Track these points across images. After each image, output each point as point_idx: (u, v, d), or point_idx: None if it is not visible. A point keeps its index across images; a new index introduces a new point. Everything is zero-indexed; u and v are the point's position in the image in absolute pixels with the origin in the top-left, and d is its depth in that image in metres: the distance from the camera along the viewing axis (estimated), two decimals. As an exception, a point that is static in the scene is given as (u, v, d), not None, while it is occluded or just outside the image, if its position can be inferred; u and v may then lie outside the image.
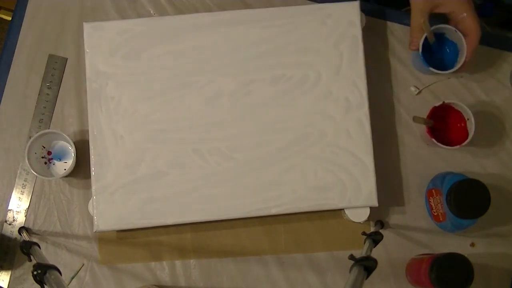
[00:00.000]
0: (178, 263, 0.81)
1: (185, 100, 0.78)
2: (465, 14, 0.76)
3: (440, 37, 0.81)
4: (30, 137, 0.80)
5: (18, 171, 0.82)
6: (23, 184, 0.82)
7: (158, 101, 0.78)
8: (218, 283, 0.80)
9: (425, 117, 0.79)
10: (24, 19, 0.85)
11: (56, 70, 0.84)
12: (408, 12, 0.80)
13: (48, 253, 0.80)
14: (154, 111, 0.77)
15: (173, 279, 0.80)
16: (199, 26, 0.79)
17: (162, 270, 0.81)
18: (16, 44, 0.85)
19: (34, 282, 0.59)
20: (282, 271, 0.81)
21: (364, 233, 0.69)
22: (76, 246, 0.81)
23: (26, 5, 0.85)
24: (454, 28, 0.78)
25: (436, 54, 0.82)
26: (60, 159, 0.82)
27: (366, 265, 0.59)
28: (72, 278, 0.80)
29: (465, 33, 0.77)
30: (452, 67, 0.79)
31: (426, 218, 0.82)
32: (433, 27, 0.77)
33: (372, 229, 0.80)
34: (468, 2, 0.76)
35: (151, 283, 0.80)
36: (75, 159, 0.78)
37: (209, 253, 0.81)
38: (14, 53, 0.85)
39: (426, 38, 0.78)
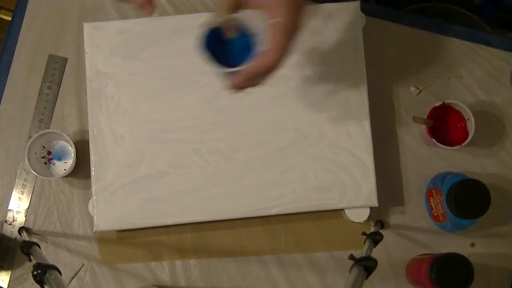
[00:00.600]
0: (178, 263, 0.81)
1: (185, 100, 0.78)
2: (275, 21, 0.54)
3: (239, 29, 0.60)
4: (30, 137, 0.80)
5: (18, 171, 0.82)
6: (23, 184, 0.82)
7: (158, 101, 0.78)
8: (218, 283, 0.80)
9: (425, 117, 0.79)
10: (24, 19, 0.85)
11: (56, 70, 0.84)
12: (409, 12, 0.80)
13: (48, 253, 0.80)
14: (154, 111, 0.77)
15: (173, 279, 0.80)
16: (199, 26, 0.79)
17: (162, 270, 0.81)
18: (16, 44, 0.85)
19: (34, 282, 0.59)
20: (282, 271, 0.81)
21: (364, 233, 0.69)
22: (76, 246, 0.81)
23: (26, 5, 0.85)
24: (253, 22, 0.58)
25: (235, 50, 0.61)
26: (60, 159, 0.81)
27: (366, 265, 0.59)
28: (72, 278, 0.80)
29: (268, 43, 0.55)
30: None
31: (426, 218, 0.82)
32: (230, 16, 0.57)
33: (372, 229, 0.80)
34: (288, 5, 0.53)
35: (151, 283, 0.80)
36: (75, 159, 0.78)
37: (209, 253, 0.81)
38: (14, 53, 0.85)
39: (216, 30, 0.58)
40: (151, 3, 0.58)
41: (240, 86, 0.57)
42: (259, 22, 0.56)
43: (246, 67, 0.54)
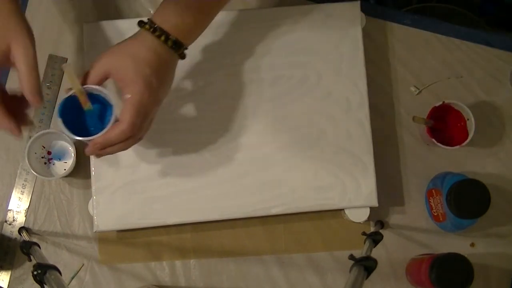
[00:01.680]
0: (178, 263, 0.81)
1: (185, 100, 0.78)
2: (128, 96, 0.59)
3: (98, 99, 0.64)
4: (30, 137, 0.80)
5: (18, 171, 0.82)
6: (23, 184, 0.82)
7: (158, 101, 0.78)
8: (218, 283, 0.80)
9: (425, 117, 0.79)
10: (24, 19, 0.85)
11: (56, 70, 0.84)
12: (409, 12, 0.80)
13: (48, 253, 0.80)
14: (154, 111, 0.77)
15: (173, 279, 0.80)
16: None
17: (162, 270, 0.81)
18: (16, 44, 0.85)
19: (34, 282, 0.58)
20: (282, 271, 0.81)
21: (364, 233, 0.69)
22: (76, 246, 0.81)
23: (26, 5, 0.85)
24: (108, 95, 0.62)
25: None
26: (60, 159, 0.81)
27: (366, 265, 0.59)
28: (72, 278, 0.80)
29: (119, 117, 0.60)
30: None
31: (426, 218, 0.82)
32: (86, 86, 0.61)
33: (372, 229, 0.80)
34: (141, 84, 0.58)
35: (151, 283, 0.80)
36: (75, 159, 0.78)
37: (209, 253, 0.81)
38: (14, 53, 0.84)
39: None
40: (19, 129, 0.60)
41: (93, 154, 0.63)
42: (113, 98, 0.62)
43: (96, 137, 0.60)
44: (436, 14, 1.18)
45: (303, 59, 0.79)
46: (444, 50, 0.86)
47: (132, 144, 0.63)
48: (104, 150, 0.62)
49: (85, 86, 0.61)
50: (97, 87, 0.61)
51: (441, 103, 0.79)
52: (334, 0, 0.80)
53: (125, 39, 0.62)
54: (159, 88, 0.61)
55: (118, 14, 0.86)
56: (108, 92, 0.62)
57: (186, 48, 0.64)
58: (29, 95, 0.57)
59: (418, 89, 0.85)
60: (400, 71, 0.85)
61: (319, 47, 0.79)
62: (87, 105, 0.62)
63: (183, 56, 0.64)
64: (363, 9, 0.80)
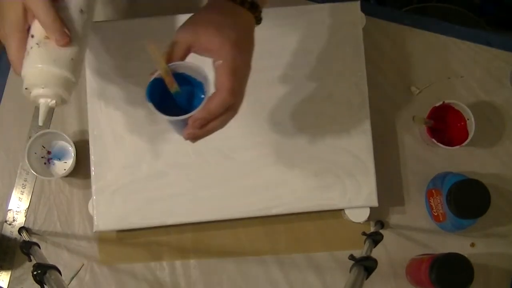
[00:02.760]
0: (178, 263, 0.81)
1: (185, 100, 0.78)
2: (220, 62, 0.54)
3: (185, 78, 0.57)
4: (30, 137, 0.80)
5: (18, 171, 0.82)
6: (23, 184, 0.82)
7: (158, 101, 0.78)
8: (218, 283, 0.80)
9: (425, 117, 0.79)
10: (24, 19, 0.85)
11: (56, 70, 0.84)
12: (409, 12, 0.80)
13: (48, 253, 0.80)
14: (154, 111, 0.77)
15: (173, 279, 0.80)
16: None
17: (162, 270, 0.81)
18: (16, 44, 0.85)
19: (34, 282, 0.58)
20: (282, 271, 0.81)
21: (364, 233, 0.69)
22: (76, 246, 0.81)
23: None
24: (198, 67, 0.55)
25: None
26: (60, 159, 0.81)
27: (366, 265, 0.59)
28: (72, 278, 0.80)
29: (215, 86, 0.54)
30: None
31: (426, 218, 0.82)
32: (171, 64, 0.55)
33: (372, 229, 0.80)
34: (230, 47, 0.54)
35: (151, 283, 0.80)
36: (75, 159, 0.78)
37: (209, 253, 0.81)
38: (14, 53, 0.84)
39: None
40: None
41: (195, 136, 0.56)
42: (204, 70, 0.55)
43: (195, 112, 0.53)
44: (436, 14, 1.18)
45: (303, 59, 0.79)
46: (444, 50, 0.86)
47: (231, 118, 0.56)
48: (205, 127, 0.55)
49: (170, 64, 0.54)
50: (185, 62, 0.55)
51: (441, 103, 0.79)
52: (334, 0, 0.80)
53: (199, 10, 0.58)
54: (246, 50, 0.57)
55: (118, 14, 0.86)
56: (197, 64, 0.55)
57: (261, 12, 0.61)
58: (57, 41, 0.56)
59: (418, 89, 0.85)
60: (400, 71, 0.85)
61: (319, 47, 0.79)
62: (174, 86, 0.55)
63: (259, 20, 0.61)
64: (363, 9, 0.80)
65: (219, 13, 0.56)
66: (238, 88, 0.55)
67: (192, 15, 0.57)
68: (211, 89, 0.54)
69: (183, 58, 0.56)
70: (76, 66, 0.59)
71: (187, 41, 0.55)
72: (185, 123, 0.54)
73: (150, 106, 0.54)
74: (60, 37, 0.56)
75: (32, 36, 0.57)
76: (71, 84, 0.59)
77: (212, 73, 0.54)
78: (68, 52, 0.58)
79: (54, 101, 0.59)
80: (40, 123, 0.60)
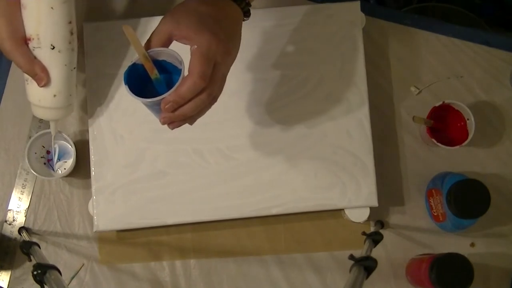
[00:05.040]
0: (178, 263, 0.81)
1: (185, 100, 0.78)
2: (195, 47, 0.54)
3: (164, 66, 0.58)
4: (30, 137, 0.80)
5: (18, 171, 0.82)
6: (23, 184, 0.82)
7: (158, 101, 0.78)
8: (218, 283, 0.80)
9: (425, 117, 0.79)
10: (24, 19, 0.85)
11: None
12: (409, 12, 0.80)
13: (48, 253, 0.80)
14: (154, 111, 0.77)
15: (173, 279, 0.80)
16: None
17: (162, 270, 0.81)
18: (16, 44, 0.85)
19: (34, 282, 0.58)
20: (282, 271, 0.81)
21: (364, 233, 0.69)
22: (76, 246, 0.81)
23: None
24: (174, 52, 0.56)
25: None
26: (60, 159, 0.81)
27: (366, 265, 0.59)
28: (72, 278, 0.80)
29: (188, 70, 0.54)
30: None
31: (426, 218, 0.82)
32: (151, 50, 0.55)
33: (372, 229, 0.80)
34: (206, 33, 0.54)
35: (151, 283, 0.80)
36: (75, 159, 0.78)
37: (209, 253, 0.81)
38: (14, 53, 0.84)
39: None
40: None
41: (170, 120, 0.56)
42: (178, 56, 0.55)
43: (166, 95, 0.53)
44: (436, 14, 1.18)
45: (303, 59, 0.79)
46: (444, 50, 0.86)
47: (207, 103, 0.57)
48: (178, 111, 0.55)
49: (149, 51, 0.55)
50: (163, 48, 0.56)
51: (441, 103, 0.79)
52: (334, 0, 0.80)
53: (184, 1, 0.59)
54: (227, 40, 0.56)
55: (118, 14, 0.86)
56: (174, 50, 0.56)
57: (249, 4, 0.61)
58: (34, 79, 0.65)
59: (418, 89, 0.85)
60: (400, 71, 0.85)
61: (319, 47, 0.79)
62: (153, 72, 0.56)
63: (247, 13, 0.62)
64: (363, 9, 0.80)
65: (203, 3, 0.57)
66: (212, 74, 0.55)
67: (176, 6, 0.58)
68: (186, 74, 0.54)
69: (164, 46, 0.56)
70: (60, 98, 0.67)
71: (168, 29, 0.56)
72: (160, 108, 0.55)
73: (126, 88, 0.54)
74: (38, 81, 0.64)
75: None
76: (63, 109, 0.69)
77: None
78: (49, 90, 0.65)
79: (54, 122, 0.73)
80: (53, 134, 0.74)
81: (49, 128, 0.82)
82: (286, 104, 0.78)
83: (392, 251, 0.81)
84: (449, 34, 0.86)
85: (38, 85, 0.64)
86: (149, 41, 0.56)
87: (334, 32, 0.79)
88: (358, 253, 0.63)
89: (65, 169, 0.80)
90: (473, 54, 0.86)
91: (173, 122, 0.57)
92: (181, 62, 0.55)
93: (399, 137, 0.84)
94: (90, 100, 0.77)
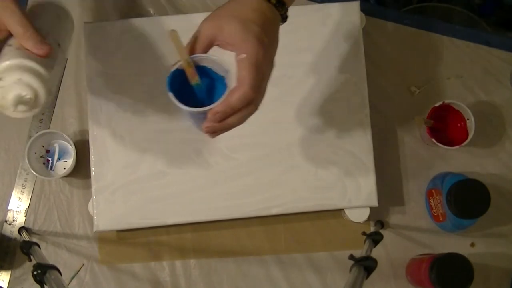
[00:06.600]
0: (178, 263, 0.81)
1: (185, 100, 0.78)
2: (243, 56, 0.53)
3: (206, 72, 0.57)
4: (30, 137, 0.80)
5: (18, 171, 0.82)
6: (23, 184, 0.82)
7: (158, 101, 0.78)
8: (218, 283, 0.80)
9: (425, 117, 0.79)
10: (24, 19, 0.85)
11: (56, 70, 0.84)
12: (409, 12, 0.80)
13: (48, 253, 0.80)
14: (154, 111, 0.77)
15: (173, 279, 0.80)
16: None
17: (162, 270, 0.81)
18: (16, 44, 0.85)
19: (34, 282, 0.59)
20: (282, 271, 0.81)
21: (364, 233, 0.69)
22: (76, 246, 0.81)
23: (26, 6, 0.85)
24: (220, 60, 0.55)
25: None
26: (60, 159, 0.81)
27: (366, 265, 0.59)
28: (72, 278, 0.80)
29: (236, 80, 0.53)
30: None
31: (426, 218, 0.82)
32: (194, 56, 0.54)
33: (372, 229, 0.80)
34: (254, 41, 0.53)
35: (151, 283, 0.80)
36: (75, 159, 0.78)
37: (209, 253, 0.81)
38: (14, 53, 0.84)
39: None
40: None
41: (214, 129, 0.55)
42: (226, 64, 0.54)
43: (215, 105, 0.52)
44: (436, 14, 1.18)
45: (303, 59, 0.79)
46: (444, 50, 0.86)
47: (251, 114, 0.55)
48: (224, 121, 0.54)
49: (193, 56, 0.54)
50: (207, 55, 0.54)
51: (441, 103, 0.79)
52: (334, 0, 0.80)
53: (224, 4, 0.57)
54: (270, 46, 0.56)
55: (118, 14, 0.86)
56: (219, 58, 0.54)
57: (287, 10, 0.60)
58: (35, 50, 0.56)
59: (418, 89, 0.85)
60: (400, 71, 0.85)
61: (319, 47, 0.79)
62: (195, 78, 0.54)
63: (284, 18, 0.61)
64: (363, 9, 0.80)
65: (244, 7, 0.55)
66: (260, 84, 0.54)
67: (217, 8, 0.57)
68: (232, 83, 0.53)
69: (205, 51, 0.55)
70: (49, 65, 0.58)
71: (210, 34, 0.54)
72: (204, 116, 0.53)
73: (171, 96, 0.53)
74: (43, 46, 0.56)
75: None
76: (43, 78, 0.57)
77: (234, 67, 0.53)
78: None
79: (27, 93, 0.57)
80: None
81: (49, 128, 0.83)
82: (286, 104, 0.78)
83: (392, 251, 0.81)
84: (449, 34, 0.86)
85: (42, 53, 0.57)
86: (190, 45, 0.55)
87: (334, 32, 0.79)
88: (358, 253, 0.63)
89: (65, 169, 0.80)
90: (473, 54, 0.86)
91: (216, 132, 0.56)
92: (227, 71, 0.54)
93: (399, 137, 0.84)
94: (90, 100, 0.77)
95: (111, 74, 0.78)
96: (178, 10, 0.86)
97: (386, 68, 0.85)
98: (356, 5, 0.80)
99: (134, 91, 0.78)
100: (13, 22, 0.55)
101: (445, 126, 0.82)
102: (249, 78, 0.52)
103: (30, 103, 0.57)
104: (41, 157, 0.81)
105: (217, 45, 0.55)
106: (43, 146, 0.81)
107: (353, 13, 0.79)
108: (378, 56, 0.85)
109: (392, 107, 0.85)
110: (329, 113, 0.78)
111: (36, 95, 0.57)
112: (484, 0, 1.22)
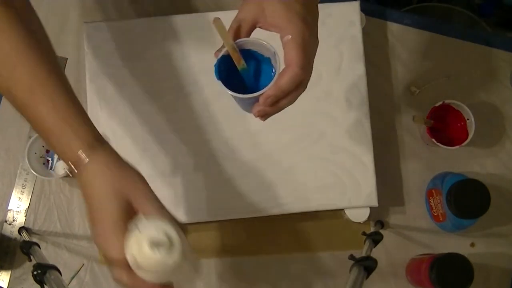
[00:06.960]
0: (178, 263, 0.81)
1: (185, 100, 0.78)
2: (289, 37, 0.51)
3: (251, 55, 0.56)
4: (30, 137, 0.80)
5: (18, 171, 0.82)
6: (23, 184, 0.82)
7: (158, 101, 0.78)
8: (218, 283, 0.80)
9: (425, 117, 0.79)
10: (24, 19, 0.85)
11: (56, 70, 0.84)
12: (409, 12, 0.80)
13: (48, 253, 0.80)
14: (155, 111, 0.77)
15: (173, 279, 0.80)
16: (199, 26, 0.79)
17: (162, 270, 0.81)
18: (16, 44, 0.85)
19: (34, 282, 0.59)
20: (282, 271, 0.81)
21: (364, 233, 0.70)
22: (76, 246, 0.81)
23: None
24: (266, 43, 0.53)
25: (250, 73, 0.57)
26: (60, 159, 0.81)
27: (366, 265, 0.59)
28: (72, 278, 0.80)
29: (284, 62, 0.52)
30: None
31: (426, 218, 0.82)
32: (238, 41, 0.53)
33: (372, 229, 0.80)
34: (298, 21, 0.52)
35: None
36: (75, 159, 0.78)
37: (209, 253, 0.81)
38: (14, 53, 0.84)
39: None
40: None
41: (265, 113, 0.53)
42: (271, 45, 0.53)
43: (267, 89, 0.51)
44: (436, 14, 1.18)
45: (303, 59, 0.79)
46: (444, 50, 0.86)
47: (300, 94, 0.54)
48: (276, 104, 0.53)
49: (237, 41, 0.53)
50: (251, 38, 0.53)
51: (441, 103, 0.79)
52: (334, 0, 0.80)
53: None
54: (313, 23, 0.54)
55: (118, 14, 0.86)
56: (264, 40, 0.53)
57: None
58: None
59: (418, 89, 0.85)
60: (400, 71, 0.85)
61: (319, 47, 0.79)
62: (241, 63, 0.53)
63: None
64: (363, 9, 0.80)
65: None
66: (308, 64, 0.52)
67: None
68: (281, 65, 0.52)
69: (248, 34, 0.54)
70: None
71: (252, 16, 0.53)
72: (254, 100, 0.53)
73: (220, 84, 0.52)
74: None
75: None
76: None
77: (280, 49, 0.52)
78: None
79: None
80: None
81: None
82: (286, 104, 0.78)
83: (392, 251, 0.81)
84: (449, 34, 0.86)
85: None
86: (233, 29, 0.53)
87: (334, 32, 0.79)
88: (358, 253, 0.63)
89: (64, 169, 0.80)
90: (473, 54, 0.86)
91: (268, 115, 0.54)
92: (274, 53, 0.53)
93: (399, 137, 0.84)
94: (90, 100, 0.77)
95: (111, 74, 0.78)
96: (178, 10, 0.86)
97: (386, 68, 0.85)
98: (356, 5, 0.80)
99: (134, 91, 0.78)
100: (150, 207, 0.56)
101: (445, 126, 0.82)
102: (298, 59, 0.50)
103: None
104: (41, 157, 0.81)
105: (259, 27, 0.54)
106: (43, 146, 0.81)
107: (353, 13, 0.79)
108: (378, 56, 0.85)
109: (392, 107, 0.85)
110: (329, 113, 0.78)
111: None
112: (484, 0, 1.22)
